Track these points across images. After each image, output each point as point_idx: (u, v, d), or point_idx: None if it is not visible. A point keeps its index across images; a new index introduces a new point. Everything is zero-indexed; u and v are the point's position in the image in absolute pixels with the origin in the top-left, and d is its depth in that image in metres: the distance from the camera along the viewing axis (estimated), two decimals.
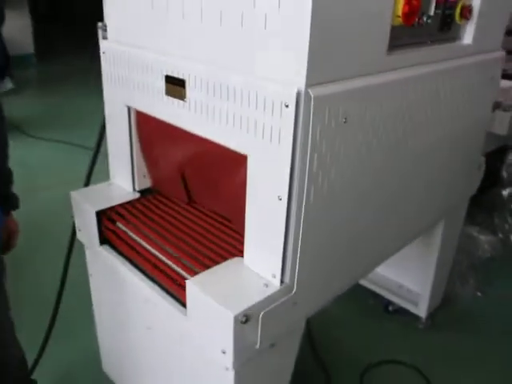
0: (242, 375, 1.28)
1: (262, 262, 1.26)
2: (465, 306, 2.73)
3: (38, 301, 2.63)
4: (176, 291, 1.36)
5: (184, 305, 1.34)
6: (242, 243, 1.40)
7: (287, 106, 1.06)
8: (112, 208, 1.60)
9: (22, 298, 2.64)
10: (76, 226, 1.75)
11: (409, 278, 2.57)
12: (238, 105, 1.16)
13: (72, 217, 1.74)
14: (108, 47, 1.53)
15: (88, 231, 1.65)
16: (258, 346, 1.22)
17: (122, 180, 1.70)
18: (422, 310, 2.48)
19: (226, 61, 1.19)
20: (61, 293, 1.92)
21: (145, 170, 1.69)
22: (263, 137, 1.13)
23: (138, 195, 1.68)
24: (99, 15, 1.59)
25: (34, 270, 2.89)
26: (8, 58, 6.34)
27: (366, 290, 2.67)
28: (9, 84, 6.19)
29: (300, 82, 1.05)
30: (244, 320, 1.15)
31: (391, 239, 1.70)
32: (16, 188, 3.53)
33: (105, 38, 1.57)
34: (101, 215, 1.58)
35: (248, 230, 1.26)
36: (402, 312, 2.59)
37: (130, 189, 1.68)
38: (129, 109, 1.56)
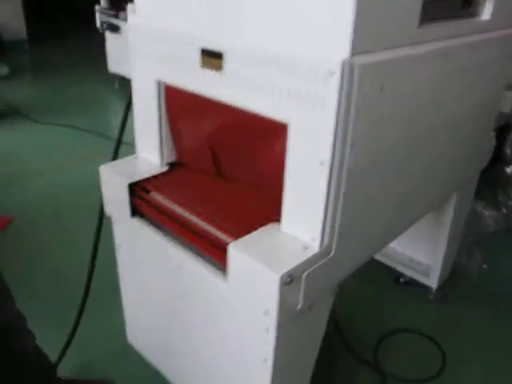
0: (282, 336, 1.33)
1: (300, 226, 1.31)
2: (472, 278, 2.82)
3: (53, 281, 2.68)
4: (215, 256, 1.41)
5: (221, 269, 1.39)
6: (273, 211, 1.46)
7: (332, 74, 1.11)
8: (143, 180, 1.64)
9: (40, 283, 2.68)
10: (104, 199, 1.78)
11: (419, 252, 2.64)
12: (280, 74, 1.20)
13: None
14: (137, 23, 1.56)
15: (118, 204, 1.69)
16: (299, 307, 1.28)
17: (150, 153, 1.73)
18: (433, 281, 2.56)
19: (268, 31, 1.22)
20: (92, 269, 1.96)
21: (172, 143, 1.72)
22: (306, 104, 1.17)
23: (166, 168, 1.71)
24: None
25: (48, 253, 2.92)
26: (2, 43, 6.31)
27: (377, 264, 2.74)
28: (4, 69, 6.15)
29: (345, 50, 1.10)
30: (288, 281, 1.20)
31: (418, 205, 1.78)
32: (22, 171, 3.58)
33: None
34: (133, 187, 1.62)
35: (287, 195, 1.31)
36: (412, 284, 2.67)
37: (158, 162, 1.72)
38: (159, 83, 1.59)
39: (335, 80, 1.10)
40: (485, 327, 2.46)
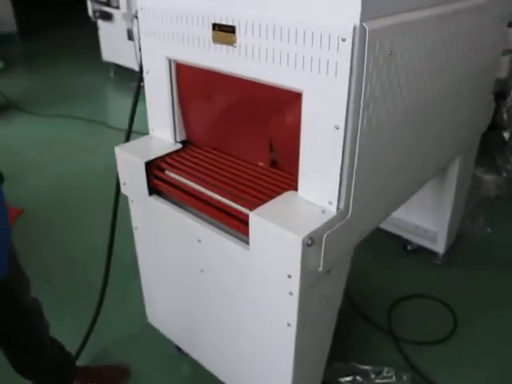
0: (304, 300, 1.39)
1: (317, 191, 1.36)
2: (477, 242, 2.89)
3: (66, 268, 2.73)
4: (236, 227, 1.45)
5: (242, 239, 1.44)
6: (289, 180, 1.51)
7: (344, 40, 1.14)
8: (159, 158, 1.68)
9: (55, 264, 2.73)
10: (120, 180, 1.82)
11: (425, 219, 2.70)
12: (293, 44, 1.24)
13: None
14: (146, 2, 1.58)
15: (135, 183, 1.73)
16: (320, 269, 1.33)
17: (163, 132, 1.77)
18: (439, 246, 2.62)
19: (278, 1, 1.26)
20: (110, 253, 2.01)
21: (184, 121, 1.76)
22: (320, 71, 1.21)
23: (180, 146, 1.75)
24: None
25: (57, 242, 2.96)
26: None
27: (384, 233, 2.80)
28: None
29: (355, 16, 1.13)
30: (310, 243, 1.25)
31: (428, 167, 1.84)
32: (25, 163, 3.61)
33: None
34: (149, 166, 1.66)
35: (303, 162, 1.35)
36: (419, 251, 2.74)
37: (172, 140, 1.76)
38: (169, 61, 1.62)
39: (347, 46, 1.14)
40: (492, 288, 2.54)
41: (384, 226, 2.78)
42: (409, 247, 2.76)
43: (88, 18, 5.63)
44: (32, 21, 8.69)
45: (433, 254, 2.70)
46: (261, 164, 1.63)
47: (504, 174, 3.34)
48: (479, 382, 2.03)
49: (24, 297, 1.59)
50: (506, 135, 3.33)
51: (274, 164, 1.61)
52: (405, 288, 2.51)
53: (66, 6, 9.68)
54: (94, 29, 5.74)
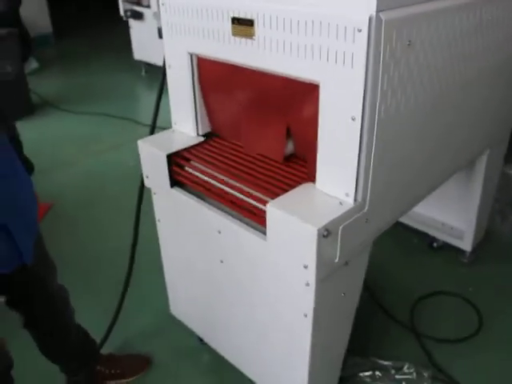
0: (321, 291, 1.39)
1: (335, 182, 1.36)
2: (506, 240, 2.83)
3: (93, 260, 2.79)
4: (254, 218, 1.47)
5: (260, 230, 1.46)
6: (306, 173, 1.51)
7: (360, 31, 1.15)
8: (181, 151, 1.71)
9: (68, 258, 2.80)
10: (144, 173, 1.86)
11: (452, 216, 2.66)
12: (310, 36, 1.24)
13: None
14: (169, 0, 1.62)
15: (158, 176, 1.76)
16: (337, 260, 1.34)
17: (185, 126, 1.80)
18: (467, 244, 2.58)
19: None
20: (134, 244, 2.04)
21: (206, 115, 1.78)
22: (336, 62, 1.22)
23: (202, 139, 1.78)
24: None
25: (85, 235, 3.04)
26: (30, 37, 6.45)
27: (410, 230, 2.77)
28: (34, 64, 6.31)
29: (371, 7, 1.14)
30: (326, 234, 1.26)
31: (450, 161, 1.81)
32: (58, 159, 3.69)
33: None
34: (171, 158, 1.69)
35: (321, 153, 1.36)
36: (446, 248, 2.70)
37: (194, 133, 1.79)
38: (191, 56, 1.65)
39: (363, 36, 1.14)
40: None
41: (410, 222, 2.75)
42: (435, 244, 2.72)
43: (120, 17, 5.73)
44: (66, 21, 8.89)
45: (459, 251, 2.65)
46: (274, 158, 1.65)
47: None
48: (501, 382, 1.99)
49: (51, 282, 1.65)
50: None
51: (288, 159, 1.62)
52: (429, 285, 2.48)
53: (98, 6, 9.88)
54: (126, 28, 5.84)
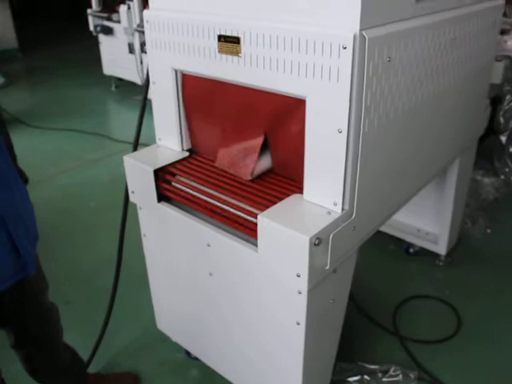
0: (312, 299, 1.44)
1: (322, 192, 1.41)
2: (478, 243, 2.95)
3: (75, 277, 2.77)
4: (244, 230, 1.51)
5: (251, 241, 1.50)
6: (291, 186, 1.57)
7: (345, 48, 1.20)
8: (167, 166, 1.73)
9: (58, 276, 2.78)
10: (129, 189, 1.87)
11: (427, 222, 2.75)
12: (296, 53, 1.30)
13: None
14: (152, 15, 1.65)
15: (144, 191, 1.78)
16: (327, 267, 1.38)
17: (170, 141, 1.82)
18: (442, 248, 2.67)
19: (281, 14, 1.32)
20: (119, 261, 2.05)
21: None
22: (322, 78, 1.27)
23: (187, 154, 1.81)
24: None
25: (65, 252, 3.01)
26: None
27: (387, 236, 2.85)
28: (0, 79, 6.22)
29: (355, 26, 1.20)
30: (317, 242, 1.31)
31: (428, 168, 1.90)
32: (33, 175, 3.64)
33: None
34: (158, 173, 1.71)
35: (308, 165, 1.41)
36: (421, 253, 2.78)
37: (179, 148, 1.81)
38: (176, 72, 1.68)
39: (348, 53, 1.20)
40: (494, 286, 2.59)
41: (386, 229, 2.83)
42: (411, 250, 2.81)
43: (89, 32, 5.71)
44: (33, 36, 8.80)
45: (435, 255, 2.74)
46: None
47: (502, 177, 3.40)
48: (484, 380, 2.07)
49: (44, 298, 1.64)
50: (503, 139, 3.39)
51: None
52: (408, 289, 2.55)
53: (66, 20, 9.81)
54: (95, 43, 5.83)
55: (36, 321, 1.61)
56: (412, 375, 2.01)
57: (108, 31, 5.48)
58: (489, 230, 3.03)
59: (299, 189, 1.50)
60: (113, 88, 6.08)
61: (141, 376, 2.13)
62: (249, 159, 1.62)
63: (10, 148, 1.47)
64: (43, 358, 1.73)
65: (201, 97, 1.70)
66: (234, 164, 1.66)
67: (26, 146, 4.55)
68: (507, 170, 3.42)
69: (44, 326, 1.66)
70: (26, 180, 1.53)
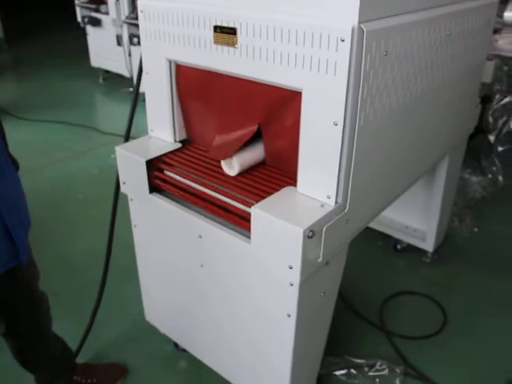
0: (304, 291, 1.44)
1: (316, 185, 1.41)
2: (464, 241, 2.98)
3: (64, 269, 2.75)
4: (237, 222, 1.50)
5: (243, 233, 1.49)
6: (285, 177, 1.57)
7: (343, 41, 1.20)
8: (159, 157, 1.72)
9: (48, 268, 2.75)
10: (120, 179, 1.85)
11: (414, 219, 2.77)
12: (293, 45, 1.29)
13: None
14: (147, 5, 1.63)
15: (136, 182, 1.77)
16: (320, 260, 1.38)
17: (162, 132, 1.81)
18: (429, 245, 2.69)
19: (279, 5, 1.32)
20: (109, 252, 2.03)
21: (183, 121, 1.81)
22: (319, 71, 1.27)
23: (179, 145, 1.80)
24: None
25: (53, 244, 2.98)
26: None
27: (374, 232, 2.86)
28: None
29: (354, 18, 1.20)
30: (310, 235, 1.31)
31: (418, 163, 1.91)
32: (28, 166, 3.58)
33: None
34: (150, 164, 1.70)
35: (302, 158, 1.41)
36: (409, 249, 2.81)
37: (172, 139, 1.80)
38: (170, 62, 1.67)
39: (346, 46, 1.20)
40: (479, 284, 2.61)
41: (375, 225, 2.84)
42: (398, 246, 2.83)
43: (77, 23, 5.65)
44: (19, 26, 8.68)
45: (422, 252, 2.77)
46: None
47: (489, 176, 3.44)
48: (469, 374, 2.10)
49: (35, 287, 1.63)
50: (492, 138, 3.43)
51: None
52: (395, 285, 2.58)
53: (54, 11, 9.69)
54: (83, 34, 5.77)
55: (27, 309, 1.60)
56: (398, 370, 2.03)
57: (96, 23, 5.42)
58: (475, 229, 3.06)
59: (293, 181, 1.50)
60: (100, 80, 6.03)
61: (129, 367, 2.12)
62: (230, 149, 1.62)
63: (2, 136, 1.45)
64: (34, 348, 1.72)
65: (195, 87, 1.69)
66: (224, 156, 1.66)
67: (13, 137, 4.42)
68: (495, 168, 3.47)
69: (35, 314, 1.64)
70: (17, 167, 1.51)
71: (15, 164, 1.50)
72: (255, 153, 1.64)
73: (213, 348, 1.91)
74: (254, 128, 1.56)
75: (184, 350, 2.11)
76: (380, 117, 1.42)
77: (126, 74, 5.41)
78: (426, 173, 2.11)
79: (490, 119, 3.33)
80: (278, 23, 1.30)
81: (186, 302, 1.91)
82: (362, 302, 2.45)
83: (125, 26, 5.10)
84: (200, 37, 1.50)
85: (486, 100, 3.28)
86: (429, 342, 2.25)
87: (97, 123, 4.81)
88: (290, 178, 1.54)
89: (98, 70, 5.96)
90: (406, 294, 2.54)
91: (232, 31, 1.41)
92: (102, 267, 2.05)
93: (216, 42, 1.47)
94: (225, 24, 1.42)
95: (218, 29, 1.44)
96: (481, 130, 3.44)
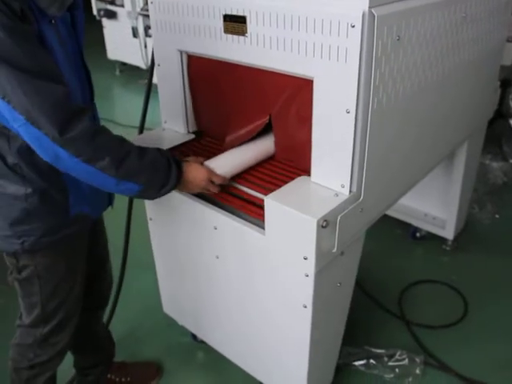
0: (319, 282, 1.43)
1: (330, 174, 1.39)
2: (485, 228, 2.92)
3: None
4: (251, 213, 1.49)
5: (258, 224, 1.49)
6: (296, 169, 1.57)
7: (353, 27, 1.18)
8: (173, 148, 1.72)
9: None
10: None
11: (433, 206, 2.73)
12: (303, 32, 1.27)
13: None
14: None
15: None
16: (335, 250, 1.37)
17: (175, 124, 1.81)
18: (449, 233, 2.65)
19: None
20: (126, 245, 2.05)
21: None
22: (330, 58, 1.25)
23: (192, 136, 1.79)
24: None
25: None
26: None
27: (393, 221, 2.83)
28: None
29: (364, 3, 1.17)
30: (325, 224, 1.29)
31: (434, 150, 1.88)
32: None
33: None
34: None
35: (315, 146, 1.39)
36: (428, 237, 2.77)
37: (185, 131, 1.80)
38: (181, 53, 1.66)
39: (357, 32, 1.18)
40: (500, 272, 2.57)
41: (393, 213, 2.81)
42: (418, 234, 2.79)
43: (92, 16, 5.67)
44: None
45: (442, 240, 2.73)
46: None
47: (510, 161, 3.37)
48: (490, 364, 2.06)
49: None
50: None
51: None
52: (415, 274, 2.54)
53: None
54: (99, 27, 5.78)
55: (108, 259, 1.81)
56: (418, 359, 2.01)
57: (111, 15, 5.43)
58: (497, 215, 3.00)
59: (305, 173, 1.48)
60: (117, 72, 6.05)
61: (147, 359, 2.13)
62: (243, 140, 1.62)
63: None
64: (97, 317, 1.84)
65: (207, 78, 1.69)
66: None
67: None
68: None
69: (110, 270, 1.84)
70: None
71: None
72: (233, 161, 1.59)
73: (230, 339, 1.92)
74: (266, 119, 1.55)
75: (202, 342, 2.11)
76: (393, 103, 1.39)
77: (143, 65, 5.42)
78: (443, 159, 2.08)
79: (511, 103, 3.25)
80: (287, 11, 1.28)
81: (202, 293, 1.92)
82: (381, 291, 2.43)
83: (140, 18, 5.10)
84: (210, 26, 1.49)
85: (506, 83, 3.19)
86: (449, 331, 2.22)
87: (114, 115, 4.83)
88: (303, 170, 1.53)
89: (115, 62, 5.98)
90: (425, 282, 2.50)
91: (242, 20, 1.40)
92: (120, 259, 2.06)
93: (226, 31, 1.46)
94: (234, 12, 1.41)
95: (228, 18, 1.43)
96: (501, 114, 3.37)
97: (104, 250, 1.78)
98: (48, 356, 1.55)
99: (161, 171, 1.36)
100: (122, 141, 1.31)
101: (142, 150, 1.33)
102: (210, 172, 1.49)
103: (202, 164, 1.52)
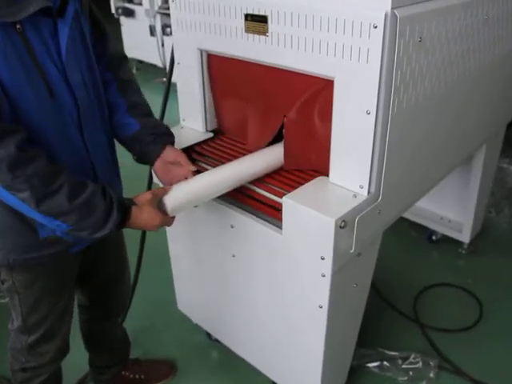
0: (336, 283, 1.43)
1: (349, 175, 1.39)
2: (502, 232, 2.90)
3: None
4: (269, 212, 1.50)
5: (275, 223, 1.49)
6: (313, 171, 1.56)
7: (376, 27, 1.18)
8: (191, 146, 1.72)
9: None
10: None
11: (450, 209, 2.72)
12: (325, 32, 1.27)
13: None
14: None
15: None
16: (352, 251, 1.37)
17: (194, 122, 1.82)
18: (465, 236, 2.63)
19: None
20: (143, 240, 2.06)
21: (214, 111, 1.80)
22: (351, 59, 1.25)
23: (211, 134, 1.80)
24: None
25: None
26: None
27: (409, 223, 2.82)
28: None
29: (386, 4, 1.17)
30: (343, 225, 1.29)
31: (453, 153, 1.86)
32: None
33: None
34: None
35: (335, 147, 1.39)
36: (444, 241, 2.75)
37: (203, 129, 1.80)
38: (201, 52, 1.67)
39: (379, 33, 1.17)
40: None
41: (409, 216, 2.79)
42: (434, 237, 2.78)
43: (111, 14, 5.71)
44: None
45: (458, 243, 2.71)
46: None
47: None
48: (505, 369, 2.05)
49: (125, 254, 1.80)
50: None
51: None
52: (430, 277, 2.53)
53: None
54: (117, 25, 5.82)
55: (127, 261, 1.80)
56: (432, 363, 2.00)
57: (129, 13, 5.47)
58: None
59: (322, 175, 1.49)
60: (134, 70, 6.09)
61: (160, 356, 2.14)
62: (264, 140, 1.62)
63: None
64: (114, 317, 1.85)
65: (228, 77, 1.69)
66: (258, 146, 1.65)
67: None
68: None
69: (128, 273, 1.82)
70: None
71: None
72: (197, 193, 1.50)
73: (245, 338, 1.92)
74: (284, 119, 1.55)
75: (216, 340, 2.12)
76: (414, 105, 1.38)
77: (159, 64, 5.45)
78: (462, 162, 2.06)
79: None
80: (308, 10, 1.28)
81: (217, 291, 1.92)
82: (396, 293, 2.42)
83: (158, 17, 5.13)
84: (231, 26, 1.50)
85: None
86: (464, 335, 2.20)
87: None
88: (319, 173, 1.53)
89: (132, 60, 6.01)
90: (440, 285, 2.49)
91: (263, 19, 1.40)
92: (136, 253, 2.08)
93: (247, 30, 1.46)
94: (256, 12, 1.41)
95: (249, 17, 1.43)
96: None
97: (117, 268, 1.73)
98: (37, 363, 1.54)
99: (95, 215, 1.21)
100: (53, 176, 1.14)
101: (77, 190, 1.17)
102: (163, 217, 1.38)
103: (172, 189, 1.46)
